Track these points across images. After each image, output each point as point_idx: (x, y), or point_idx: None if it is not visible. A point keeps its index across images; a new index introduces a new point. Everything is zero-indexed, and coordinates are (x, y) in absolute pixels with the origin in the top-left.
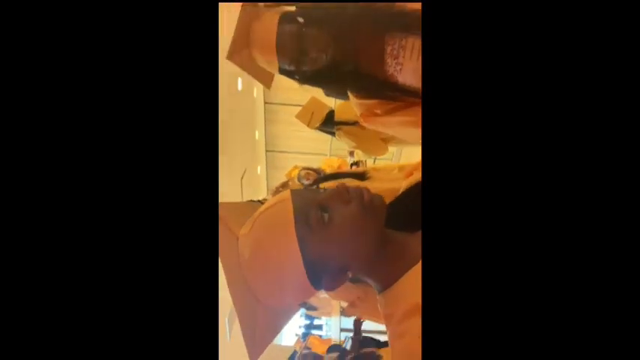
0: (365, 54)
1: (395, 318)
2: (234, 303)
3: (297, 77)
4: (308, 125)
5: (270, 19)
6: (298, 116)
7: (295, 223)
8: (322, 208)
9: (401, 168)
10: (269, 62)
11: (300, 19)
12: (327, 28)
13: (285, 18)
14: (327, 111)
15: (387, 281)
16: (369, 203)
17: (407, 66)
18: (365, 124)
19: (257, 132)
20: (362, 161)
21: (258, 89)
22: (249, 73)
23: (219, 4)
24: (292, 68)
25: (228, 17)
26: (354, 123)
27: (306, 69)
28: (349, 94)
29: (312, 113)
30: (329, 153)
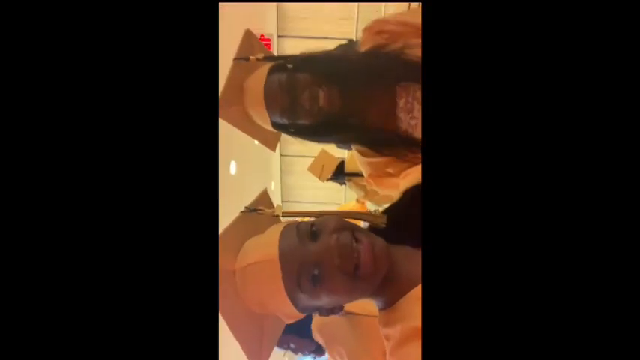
0: (374, 107)
1: (394, 340)
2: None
3: (291, 130)
4: (319, 178)
5: (260, 71)
6: (310, 169)
7: (284, 286)
8: (312, 270)
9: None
10: (261, 117)
11: (290, 65)
12: (327, 77)
13: (275, 67)
14: (337, 163)
15: (388, 301)
16: (366, 265)
17: None
18: (375, 188)
19: (273, 183)
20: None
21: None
22: (244, 131)
23: (220, 4)
24: (284, 121)
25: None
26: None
27: (302, 122)
28: (355, 151)
29: (323, 166)
30: (344, 201)
